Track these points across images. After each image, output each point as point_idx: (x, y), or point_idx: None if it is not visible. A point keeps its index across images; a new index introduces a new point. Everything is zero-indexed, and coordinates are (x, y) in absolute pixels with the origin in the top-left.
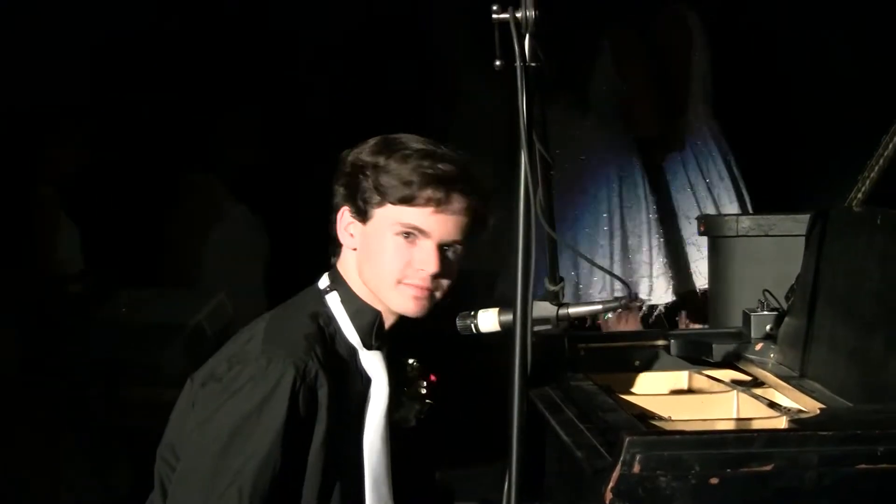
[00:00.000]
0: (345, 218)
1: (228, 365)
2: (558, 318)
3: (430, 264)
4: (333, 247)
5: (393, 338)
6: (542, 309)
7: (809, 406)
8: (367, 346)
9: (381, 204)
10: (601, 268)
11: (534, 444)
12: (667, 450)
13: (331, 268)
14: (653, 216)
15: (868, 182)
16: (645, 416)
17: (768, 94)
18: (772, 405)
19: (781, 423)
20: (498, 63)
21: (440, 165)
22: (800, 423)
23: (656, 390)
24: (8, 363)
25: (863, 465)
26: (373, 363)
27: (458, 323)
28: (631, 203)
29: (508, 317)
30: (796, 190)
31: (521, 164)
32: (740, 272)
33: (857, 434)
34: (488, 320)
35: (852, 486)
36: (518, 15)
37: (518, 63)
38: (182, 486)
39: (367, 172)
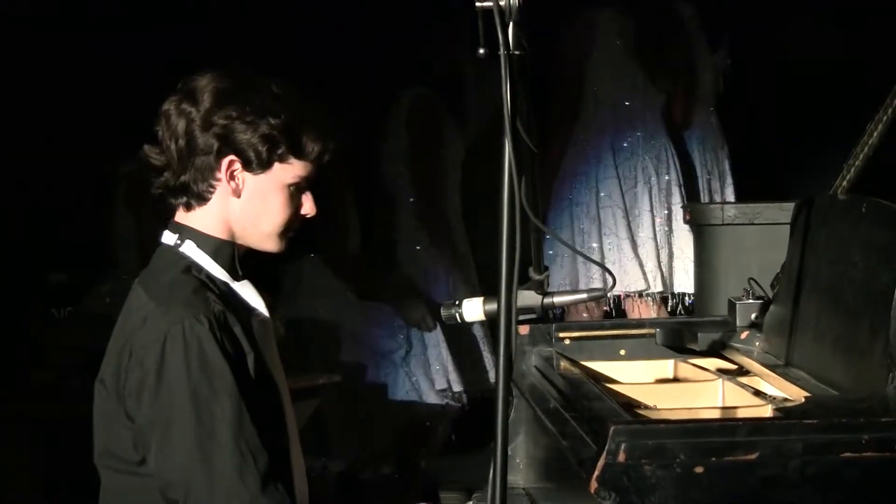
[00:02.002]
0: (232, 167)
1: (145, 351)
2: (543, 307)
3: (314, 209)
4: (190, 197)
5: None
6: (527, 298)
7: (794, 394)
8: (236, 278)
9: (284, 158)
10: (584, 255)
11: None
12: (652, 439)
13: (170, 224)
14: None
15: (853, 170)
16: (630, 405)
17: (752, 83)
18: (757, 393)
19: (766, 411)
20: (482, 51)
21: (328, 117)
22: (785, 411)
23: (642, 379)
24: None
25: (847, 454)
26: (247, 292)
27: (443, 312)
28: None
29: (493, 306)
30: (780, 179)
31: (506, 153)
32: (726, 260)
33: (841, 422)
34: (473, 309)
35: (837, 475)
36: (502, 3)
37: (502, 52)
38: (182, 483)
39: (266, 126)
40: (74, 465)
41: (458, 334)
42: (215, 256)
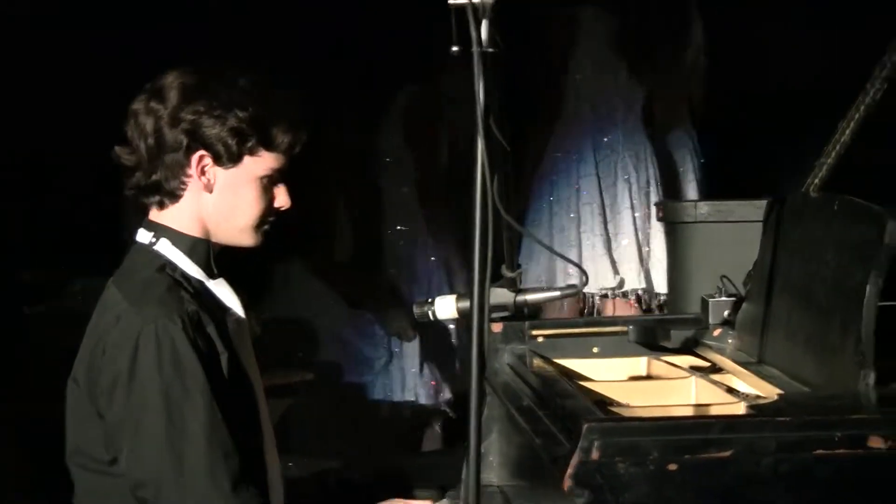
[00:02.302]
0: (203, 162)
1: (118, 349)
2: (516, 305)
3: (289, 202)
4: (162, 195)
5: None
6: (500, 296)
7: (767, 392)
8: (211, 276)
9: (254, 150)
10: (557, 253)
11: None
12: (625, 436)
13: (144, 222)
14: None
15: (825, 168)
16: (603, 403)
17: (726, 80)
18: (730, 391)
19: (740, 408)
20: (455, 49)
21: (297, 108)
22: (758, 408)
23: (615, 376)
24: None
25: (820, 451)
26: (222, 291)
27: (415, 310)
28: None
29: (466, 303)
30: (751, 176)
31: (478, 151)
32: (699, 258)
33: (814, 420)
34: (445, 307)
35: (810, 472)
36: (475, 0)
37: (475, 49)
38: (152, 482)
39: (234, 119)
40: (47, 465)
41: (437, 344)
42: (190, 254)
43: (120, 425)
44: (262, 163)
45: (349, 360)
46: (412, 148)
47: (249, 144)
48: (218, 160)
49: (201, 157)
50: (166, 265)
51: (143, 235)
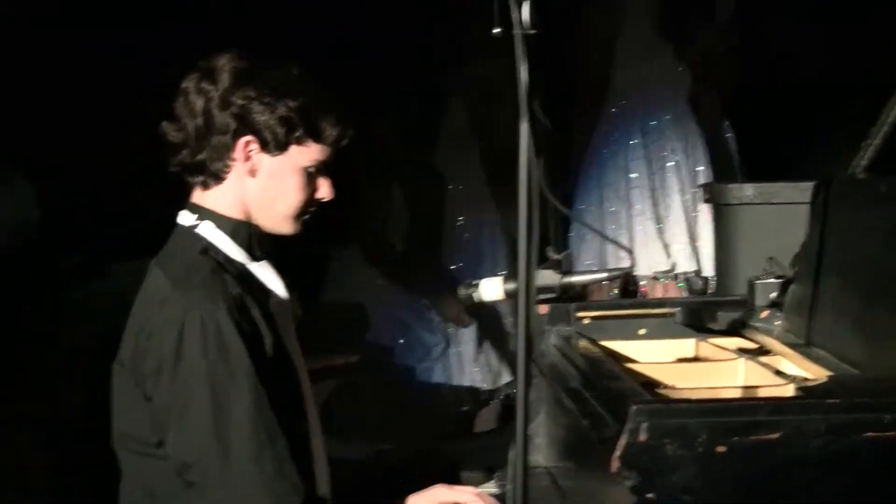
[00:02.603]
0: (249, 147)
1: (163, 333)
2: (562, 287)
3: (331, 193)
4: (207, 176)
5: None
6: (546, 278)
7: (816, 374)
8: (254, 259)
9: (302, 141)
10: (604, 235)
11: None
12: (673, 418)
13: (187, 204)
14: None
15: (872, 149)
16: (650, 385)
17: (763, 63)
18: (778, 373)
19: (788, 390)
20: (496, 31)
21: (341, 104)
22: (807, 390)
23: (661, 358)
24: (4, 332)
25: (870, 433)
26: (265, 273)
27: (461, 292)
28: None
29: (511, 285)
30: (792, 159)
31: (523, 134)
32: (744, 240)
33: (864, 402)
34: (491, 289)
35: (859, 454)
36: None
37: (517, 31)
38: (199, 465)
39: (285, 108)
40: (88, 448)
41: (493, 328)
42: (233, 237)
43: (166, 408)
44: (308, 153)
45: (409, 346)
46: (476, 134)
47: (297, 134)
48: (265, 147)
49: (248, 143)
50: (209, 248)
51: (186, 217)
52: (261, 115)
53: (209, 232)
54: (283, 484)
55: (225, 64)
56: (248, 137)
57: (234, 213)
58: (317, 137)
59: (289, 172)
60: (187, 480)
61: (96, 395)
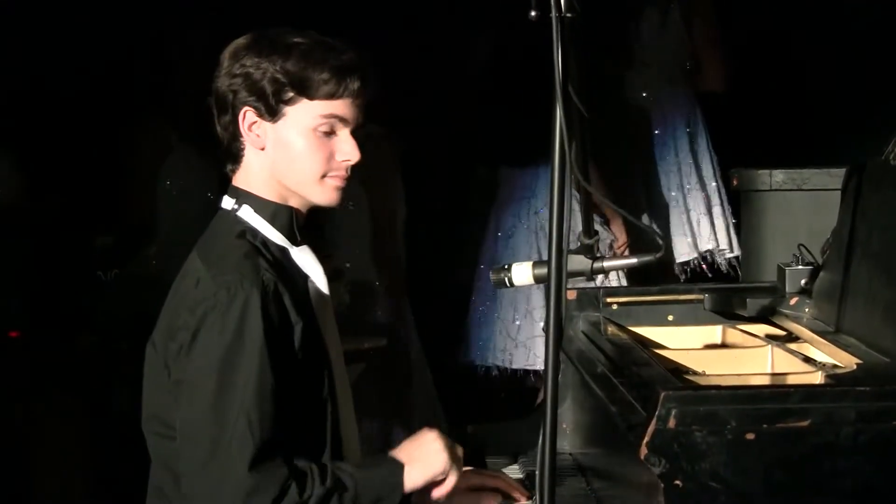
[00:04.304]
0: (247, 118)
1: (190, 313)
2: (592, 272)
3: (355, 154)
4: (228, 159)
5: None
6: (577, 262)
7: (846, 361)
8: (294, 243)
9: (294, 101)
10: (635, 221)
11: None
12: (703, 405)
13: (228, 189)
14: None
15: None
16: (678, 371)
17: (790, 48)
18: (807, 360)
19: (817, 378)
20: (533, 14)
21: (346, 56)
22: (837, 378)
23: (689, 345)
24: (38, 314)
25: None
26: (305, 258)
27: (492, 277)
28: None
29: (542, 270)
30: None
31: (556, 117)
32: (773, 226)
33: (894, 390)
34: (522, 274)
35: (890, 442)
36: None
37: (553, 13)
38: (190, 444)
39: (273, 69)
40: (120, 429)
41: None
42: (273, 221)
43: (179, 387)
44: (307, 112)
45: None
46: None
47: (288, 95)
48: (261, 115)
49: (245, 114)
50: (247, 231)
51: (227, 202)
52: (251, 84)
53: (249, 215)
54: (259, 475)
55: (229, 46)
56: (245, 108)
57: (270, 194)
58: (308, 93)
59: (293, 137)
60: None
61: (128, 378)
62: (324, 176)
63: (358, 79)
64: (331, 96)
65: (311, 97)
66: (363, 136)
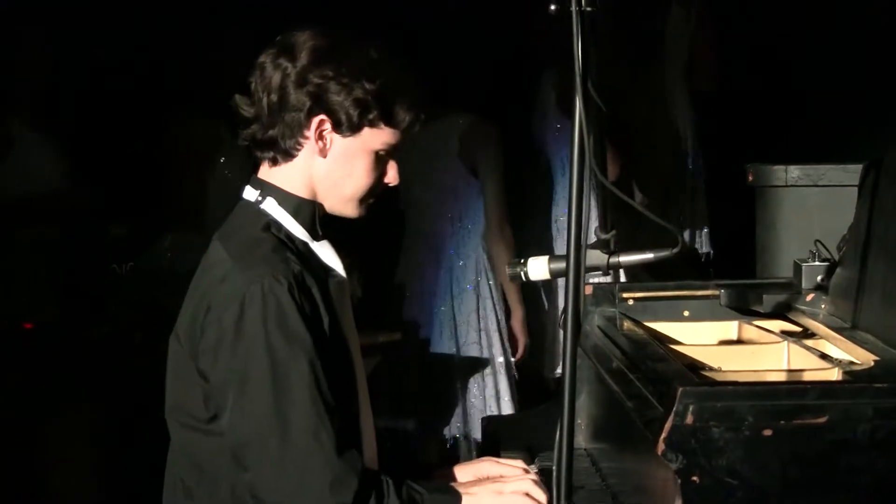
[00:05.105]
0: (322, 126)
1: (223, 308)
2: (609, 266)
3: (397, 178)
4: (277, 152)
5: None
6: (594, 257)
7: (862, 357)
8: (315, 238)
9: (375, 124)
10: (650, 215)
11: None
12: (720, 401)
13: (252, 179)
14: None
15: None
16: (695, 367)
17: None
18: (823, 356)
19: (834, 374)
20: (553, 8)
21: (421, 88)
22: (854, 374)
23: (705, 340)
24: (53, 306)
25: None
26: (325, 252)
27: (508, 271)
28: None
29: (558, 265)
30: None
31: (576, 111)
32: (788, 222)
33: None
34: (538, 268)
35: None
36: None
37: (573, 7)
38: (256, 444)
39: (361, 90)
40: (134, 420)
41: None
42: (296, 215)
43: (224, 384)
44: (381, 136)
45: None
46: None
47: (371, 117)
48: (337, 127)
49: (321, 122)
50: (271, 224)
51: (250, 193)
52: (336, 96)
53: (272, 208)
54: (341, 462)
55: (306, 41)
56: (322, 117)
57: (300, 191)
58: (390, 122)
59: (359, 154)
60: (238, 457)
61: (145, 366)
62: (367, 196)
63: (423, 111)
64: (406, 129)
65: (390, 125)
66: None
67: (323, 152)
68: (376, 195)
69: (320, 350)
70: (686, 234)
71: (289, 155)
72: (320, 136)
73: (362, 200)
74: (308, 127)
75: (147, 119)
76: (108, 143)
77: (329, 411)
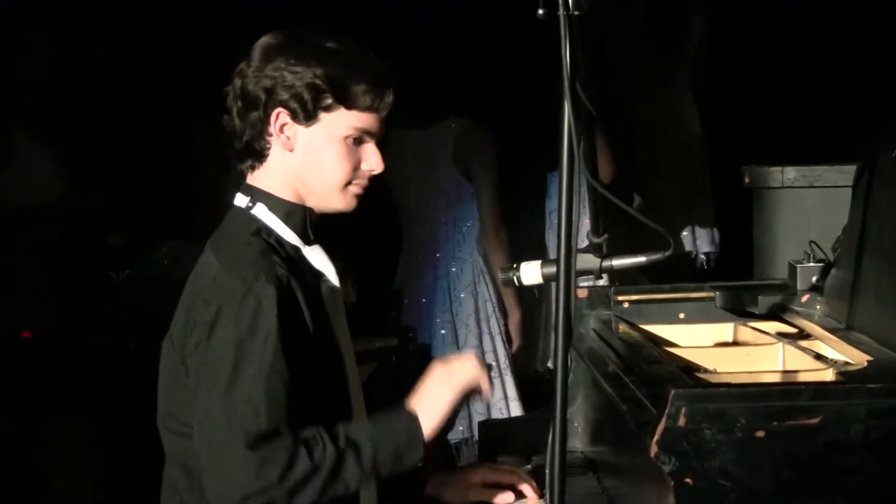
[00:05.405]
0: (280, 119)
1: (206, 307)
2: (601, 270)
3: (380, 165)
4: (250, 157)
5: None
6: (586, 261)
7: (856, 358)
8: (307, 243)
9: (332, 108)
10: (641, 218)
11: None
12: (712, 403)
13: (241, 186)
14: None
15: None
16: (689, 369)
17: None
18: (818, 357)
19: (828, 375)
20: (541, 12)
21: (383, 68)
22: (847, 375)
23: (701, 342)
24: (50, 315)
25: None
26: (317, 257)
27: (501, 276)
28: None
29: (551, 269)
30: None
31: (565, 114)
32: (784, 223)
33: None
34: (531, 273)
35: None
36: None
37: (561, 11)
38: (205, 431)
39: (312, 74)
40: (132, 427)
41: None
42: (286, 220)
43: (198, 379)
44: (344, 121)
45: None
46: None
47: (327, 101)
48: (295, 117)
49: (278, 114)
50: (262, 229)
51: (240, 199)
52: (288, 85)
53: (263, 213)
54: (256, 456)
55: (259, 42)
56: (279, 109)
57: (286, 194)
58: (348, 103)
59: (325, 143)
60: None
61: (141, 374)
62: (347, 184)
63: (392, 93)
64: (367, 108)
65: (348, 107)
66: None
67: (288, 146)
68: (361, 184)
69: (296, 353)
70: (699, 234)
71: (261, 156)
72: (282, 130)
73: (344, 190)
74: (269, 122)
75: (145, 126)
76: (106, 151)
77: (271, 409)
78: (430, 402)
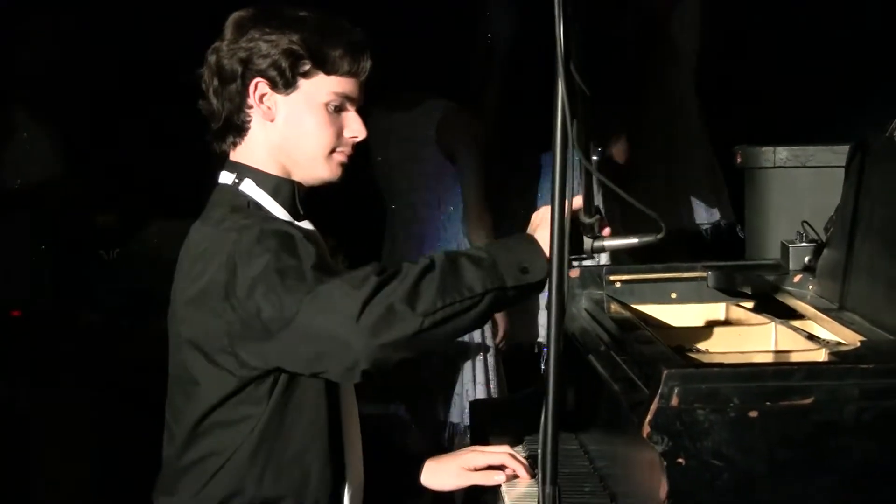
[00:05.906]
0: (259, 89)
1: (207, 265)
2: (593, 250)
3: (362, 131)
4: (231, 132)
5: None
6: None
7: (849, 338)
8: (297, 218)
9: (310, 74)
10: (632, 201)
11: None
12: (705, 383)
13: (225, 163)
14: None
15: None
16: (682, 349)
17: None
18: (810, 337)
19: (821, 355)
20: None
21: (357, 34)
22: (840, 355)
23: (693, 322)
24: (40, 293)
25: None
26: (307, 232)
27: None
28: None
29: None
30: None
31: (558, 94)
32: (777, 203)
33: None
34: None
35: (893, 420)
36: None
37: None
38: (279, 306)
39: (288, 41)
40: (122, 404)
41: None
42: (275, 195)
43: (255, 320)
44: (323, 86)
45: None
46: None
47: (305, 68)
48: (274, 86)
49: (257, 85)
50: (251, 203)
51: (226, 177)
52: (264, 54)
53: (251, 189)
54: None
55: (230, 19)
56: (257, 79)
57: (271, 168)
58: (326, 68)
59: (306, 110)
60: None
61: (131, 352)
62: (331, 152)
63: (369, 58)
64: (346, 73)
65: (327, 72)
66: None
67: (269, 115)
68: (344, 152)
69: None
70: (716, 210)
71: (242, 130)
72: (261, 100)
73: (327, 157)
74: (248, 94)
75: (133, 107)
76: (96, 131)
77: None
78: (541, 237)
